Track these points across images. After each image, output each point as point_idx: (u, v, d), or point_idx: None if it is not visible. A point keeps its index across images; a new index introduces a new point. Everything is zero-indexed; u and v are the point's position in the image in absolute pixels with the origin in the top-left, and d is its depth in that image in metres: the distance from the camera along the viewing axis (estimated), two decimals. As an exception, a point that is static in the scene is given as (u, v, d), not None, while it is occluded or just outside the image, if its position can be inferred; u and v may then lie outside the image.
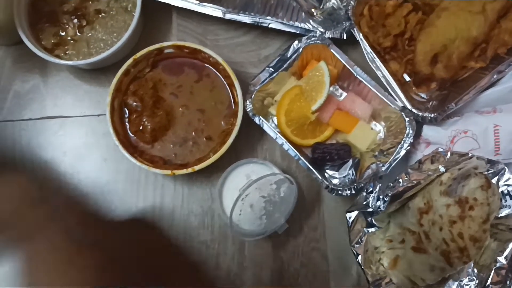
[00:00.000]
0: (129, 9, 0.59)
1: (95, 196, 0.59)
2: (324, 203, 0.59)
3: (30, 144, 0.60)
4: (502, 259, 0.52)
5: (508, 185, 0.54)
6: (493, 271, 0.52)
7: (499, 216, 0.54)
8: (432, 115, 0.54)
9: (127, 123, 0.57)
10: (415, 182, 0.53)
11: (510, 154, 0.55)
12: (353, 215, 0.55)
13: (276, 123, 0.57)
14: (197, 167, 0.54)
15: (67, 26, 0.59)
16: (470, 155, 0.54)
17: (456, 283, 0.54)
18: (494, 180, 0.55)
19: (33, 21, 0.59)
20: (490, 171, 0.54)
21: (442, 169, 0.54)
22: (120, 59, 0.58)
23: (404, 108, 0.55)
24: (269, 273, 0.58)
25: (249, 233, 0.54)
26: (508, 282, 0.52)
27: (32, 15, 0.59)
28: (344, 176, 0.57)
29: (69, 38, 0.59)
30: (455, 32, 0.56)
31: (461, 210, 0.52)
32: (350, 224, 0.55)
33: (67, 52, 0.59)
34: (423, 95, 0.59)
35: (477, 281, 0.54)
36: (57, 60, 0.57)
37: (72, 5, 0.59)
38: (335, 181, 0.57)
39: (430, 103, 0.58)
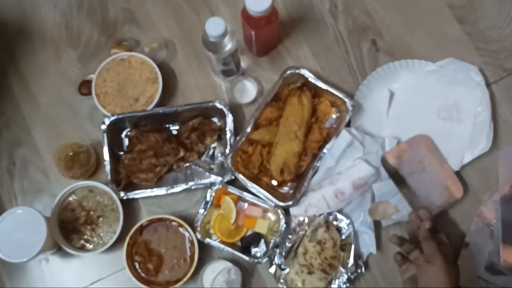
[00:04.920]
0: (114, 209, 1.03)
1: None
2: (257, 270, 1.03)
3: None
4: (351, 260, 1.00)
5: (340, 222, 1.02)
6: (348, 267, 0.99)
7: (343, 238, 1.03)
8: (291, 203, 1.01)
9: (139, 270, 1.02)
10: (294, 241, 1.00)
11: (336, 207, 1.01)
12: (273, 269, 1.01)
13: (216, 237, 1.03)
14: (184, 279, 0.98)
15: (85, 231, 1.03)
16: (316, 215, 1.01)
17: (337, 280, 1.01)
18: (334, 222, 1.03)
19: (65, 236, 1.02)
20: (330, 217, 1.02)
21: (306, 227, 1.01)
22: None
23: (276, 205, 1.01)
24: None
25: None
26: (359, 270, 1.00)
27: (63, 233, 1.02)
28: (262, 249, 1.03)
29: (89, 238, 1.03)
30: (286, 153, 1.02)
31: (320, 246, 0.98)
32: (273, 273, 1.01)
33: (91, 246, 1.03)
34: (285, 188, 1.07)
35: (345, 275, 1.01)
36: (87, 253, 1.01)
37: (83, 219, 1.03)
38: (258, 254, 1.02)
39: (290, 191, 1.06)
